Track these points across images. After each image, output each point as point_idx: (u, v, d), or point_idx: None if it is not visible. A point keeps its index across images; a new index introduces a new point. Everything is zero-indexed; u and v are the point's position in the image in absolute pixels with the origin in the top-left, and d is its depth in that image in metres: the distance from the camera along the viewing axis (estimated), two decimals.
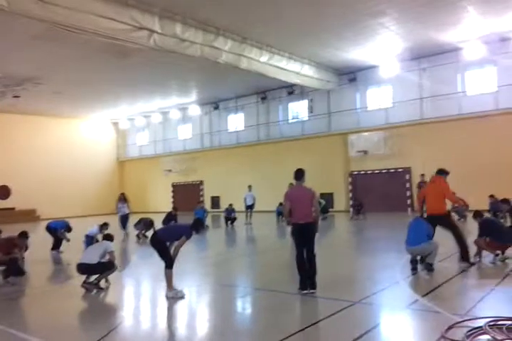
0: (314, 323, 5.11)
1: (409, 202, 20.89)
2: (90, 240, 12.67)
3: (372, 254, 9.98)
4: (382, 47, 18.97)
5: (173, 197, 30.95)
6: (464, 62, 19.21)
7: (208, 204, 26.52)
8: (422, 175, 17.24)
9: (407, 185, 20.96)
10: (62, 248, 12.25)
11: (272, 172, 25.45)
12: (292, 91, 24.56)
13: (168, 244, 6.55)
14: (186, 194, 29.79)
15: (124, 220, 15.92)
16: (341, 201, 22.76)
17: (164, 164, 30.82)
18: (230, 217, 17.88)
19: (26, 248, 9.21)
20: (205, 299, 6.71)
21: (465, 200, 14.26)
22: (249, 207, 19.06)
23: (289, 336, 4.61)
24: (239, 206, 19.36)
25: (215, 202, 28.12)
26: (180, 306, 6.21)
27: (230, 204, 18.33)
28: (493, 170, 18.27)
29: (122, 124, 33.90)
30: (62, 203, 28.97)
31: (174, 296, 6.37)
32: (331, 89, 22.84)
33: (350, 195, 22.57)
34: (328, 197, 21.89)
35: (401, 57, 20.15)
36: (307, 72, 20.15)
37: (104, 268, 7.15)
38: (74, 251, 12.22)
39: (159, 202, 30.95)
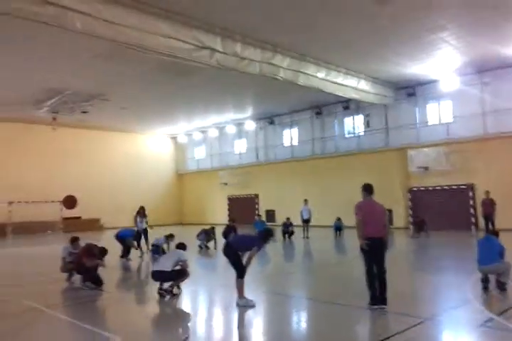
0: (388, 338, 5.16)
1: (472, 219, 20.15)
2: (157, 249, 13.31)
3: (438, 272, 9.79)
4: (441, 62, 18.67)
5: (229, 209, 31.49)
6: None
7: (262, 218, 26.78)
8: (487, 191, 16.68)
9: (471, 202, 20.24)
10: (130, 256, 12.83)
11: (327, 187, 25.43)
12: (348, 106, 24.55)
13: (240, 253, 6.80)
14: (242, 207, 30.24)
15: (139, 236, 14.59)
16: (400, 218, 22.29)
17: (220, 177, 31.53)
18: (288, 230, 17.99)
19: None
20: (275, 310, 6.88)
21: None
22: (306, 221, 19.13)
23: None
24: (294, 220, 19.46)
25: (270, 215, 28.33)
26: (252, 315, 6.43)
27: (288, 218, 18.46)
28: None
29: (180, 139, 35.12)
30: (124, 213, 30.18)
31: (245, 305, 6.60)
32: (388, 104, 22.63)
33: (410, 211, 22.07)
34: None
35: (461, 71, 19.71)
36: (364, 87, 20.11)
37: (178, 275, 7.52)
38: (142, 260, 12.89)
39: (216, 214, 31.61)
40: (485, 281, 7.30)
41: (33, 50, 15.76)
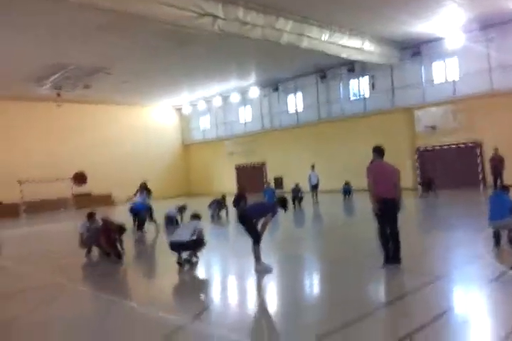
0: (404, 295, 5.33)
1: (480, 177, 20.20)
2: (170, 220, 13.56)
3: (450, 230, 9.94)
4: (446, 19, 18.17)
5: (237, 178, 31.71)
6: None
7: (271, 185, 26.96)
8: (496, 148, 16.62)
9: (478, 160, 20.23)
10: (145, 228, 13.09)
11: (334, 151, 25.43)
12: (352, 68, 24.16)
13: (254, 220, 6.94)
14: (249, 175, 30.42)
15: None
16: (408, 178, 22.29)
17: (227, 147, 31.57)
18: (297, 196, 18.14)
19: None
20: (292, 273, 7.10)
21: None
22: (314, 187, 19.28)
23: (381, 307, 4.87)
24: (303, 186, 19.57)
25: (278, 182, 28.50)
26: (271, 279, 6.64)
27: (297, 184, 18.55)
28: None
29: (185, 109, 34.93)
30: (133, 187, 30.51)
31: (263, 270, 6.80)
32: (394, 64, 22.23)
33: (418, 172, 22.13)
34: None
35: (466, 28, 19.19)
36: (369, 48, 19.72)
37: (195, 244, 7.71)
38: (156, 231, 13.15)
39: (224, 184, 31.83)
40: (496, 236, 7.42)
41: (34, 25, 15.54)
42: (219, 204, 15.46)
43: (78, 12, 13.74)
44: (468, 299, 5.05)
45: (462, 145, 20.71)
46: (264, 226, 6.91)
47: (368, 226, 11.71)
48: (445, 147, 21.30)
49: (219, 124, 33.43)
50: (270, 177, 29.21)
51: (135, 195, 14.38)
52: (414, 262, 6.80)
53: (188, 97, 32.36)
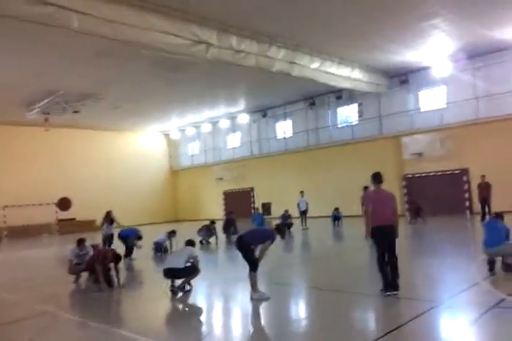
0: (404, 324, 5.24)
1: (467, 204, 20.42)
2: (159, 247, 13.32)
3: (442, 257, 9.92)
4: (434, 48, 18.78)
5: (225, 204, 31.55)
6: None
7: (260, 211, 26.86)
8: (483, 176, 16.87)
9: (465, 187, 20.50)
10: (133, 255, 12.82)
11: (322, 178, 25.56)
12: (341, 95, 24.65)
13: (252, 247, 6.85)
14: (237, 201, 30.31)
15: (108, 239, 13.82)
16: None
17: (215, 172, 31.55)
18: (287, 222, 18.06)
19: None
20: (290, 301, 6.97)
21: None
22: (303, 213, 19.18)
23: (383, 335, 4.77)
24: (291, 212, 19.54)
25: (267, 208, 28.42)
26: (268, 307, 6.50)
27: (286, 210, 18.54)
28: None
29: (173, 135, 35.03)
30: (119, 213, 30.04)
31: (260, 298, 6.66)
32: (381, 92, 22.73)
33: (405, 198, 22.29)
34: None
35: (453, 57, 19.84)
36: (357, 76, 20.18)
37: (190, 272, 7.56)
38: (145, 258, 12.88)
39: (211, 210, 31.64)
40: (491, 263, 7.43)
41: (26, 50, 15.64)
42: (208, 230, 15.29)
43: (73, 38, 13.88)
44: (470, 327, 4.98)
45: (449, 172, 21.01)
46: (262, 252, 6.82)
47: (360, 254, 11.71)
48: (432, 174, 21.59)
49: (207, 150, 33.51)
50: (258, 203, 29.13)
51: (102, 224, 14.36)
52: (412, 288, 6.75)
53: (176, 123, 32.52)
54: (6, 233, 25.88)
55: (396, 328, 4.99)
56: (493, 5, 14.63)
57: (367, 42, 17.47)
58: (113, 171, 31.82)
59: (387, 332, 4.86)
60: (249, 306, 6.59)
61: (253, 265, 6.71)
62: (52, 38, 14.30)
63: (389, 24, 15.70)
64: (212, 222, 15.79)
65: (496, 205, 16.44)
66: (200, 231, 15.51)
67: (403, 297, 6.30)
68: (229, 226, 16.44)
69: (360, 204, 15.07)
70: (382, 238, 6.48)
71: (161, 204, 34.44)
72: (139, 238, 13.27)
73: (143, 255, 13.08)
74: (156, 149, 35.75)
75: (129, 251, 12.81)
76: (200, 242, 15.18)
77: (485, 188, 16.90)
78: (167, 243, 13.40)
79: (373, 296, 6.48)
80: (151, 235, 14.68)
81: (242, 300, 6.96)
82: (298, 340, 4.93)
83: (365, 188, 14.72)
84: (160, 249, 13.23)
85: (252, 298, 6.72)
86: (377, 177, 6.80)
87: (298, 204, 19.17)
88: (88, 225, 29.06)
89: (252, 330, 5.64)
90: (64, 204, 29.23)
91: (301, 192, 19.84)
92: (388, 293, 6.36)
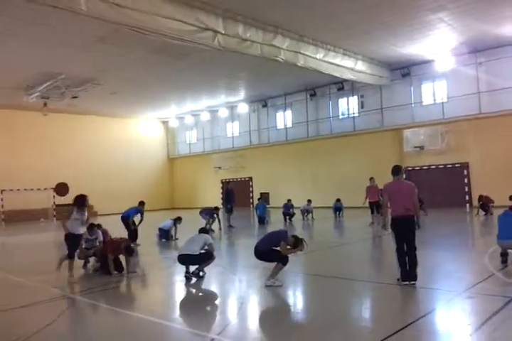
0: (427, 314, 5.29)
1: (467, 197, 20.60)
2: (165, 233, 13.28)
3: (452, 249, 10.01)
4: (437, 42, 18.77)
5: (223, 193, 31.45)
6: None
7: (257, 201, 26.88)
8: None
9: (465, 181, 20.66)
10: (138, 241, 12.73)
11: (322, 169, 25.60)
12: (342, 87, 24.59)
13: (270, 250, 6.86)
14: (236, 190, 30.12)
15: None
16: None
17: (214, 161, 31.48)
18: (289, 212, 18.10)
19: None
20: (305, 289, 7.00)
21: None
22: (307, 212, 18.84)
23: (406, 326, 4.80)
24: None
25: (265, 198, 28.41)
26: (281, 294, 6.54)
27: (289, 200, 18.54)
28: None
29: (172, 123, 34.86)
30: (117, 199, 30.02)
31: (272, 284, 6.68)
32: (383, 85, 22.72)
33: None
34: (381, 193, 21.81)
35: (456, 51, 19.85)
36: (361, 68, 20.16)
37: (205, 258, 7.56)
38: (150, 245, 12.85)
39: (209, 199, 31.55)
40: (504, 255, 7.52)
41: (29, 33, 15.36)
42: (210, 213, 15.35)
43: (78, 23, 13.67)
44: (495, 317, 5.03)
45: (449, 166, 21.15)
46: (284, 253, 6.80)
47: (368, 244, 11.79)
48: (433, 167, 21.71)
49: (206, 138, 33.38)
50: (256, 192, 29.15)
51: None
52: (429, 279, 6.79)
53: (175, 111, 32.33)
54: (3, 217, 25.72)
55: (422, 316, 5.04)
56: (497, 2, 14.66)
57: (371, 35, 17.41)
58: (110, 157, 31.65)
59: (414, 321, 4.90)
60: (262, 293, 6.60)
61: (282, 261, 6.74)
62: (56, 22, 14.07)
63: (394, 17, 15.66)
64: (216, 208, 15.83)
65: (497, 200, 16.57)
66: (202, 212, 15.70)
67: (421, 287, 6.35)
68: (228, 198, 16.70)
69: (364, 195, 15.28)
70: (402, 229, 6.51)
71: (158, 191, 34.37)
72: (141, 213, 12.99)
73: (147, 241, 13.05)
74: (153, 136, 35.59)
75: (132, 235, 12.54)
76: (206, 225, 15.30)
77: None
78: (172, 229, 13.38)
79: (391, 285, 6.53)
80: (150, 222, 14.59)
81: (254, 287, 6.99)
82: (315, 329, 4.95)
83: (371, 179, 14.77)
84: (166, 236, 13.20)
85: (266, 284, 6.74)
86: (394, 170, 6.80)
87: (301, 210, 18.80)
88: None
89: (272, 318, 5.66)
90: (61, 189, 28.80)
91: (309, 200, 18.95)
92: (405, 283, 6.42)
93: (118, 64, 19.69)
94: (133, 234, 12.67)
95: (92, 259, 9.25)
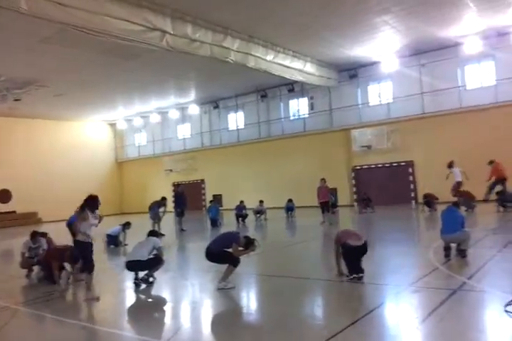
0: (376, 308, 5.40)
1: (412, 194, 21.39)
2: (113, 239, 12.90)
3: (399, 244, 10.33)
4: (383, 44, 19.40)
5: (174, 196, 30.98)
6: (464, 57, 19.74)
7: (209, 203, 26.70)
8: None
9: (410, 178, 21.46)
10: None
11: (275, 169, 25.79)
12: (292, 88, 24.89)
13: (222, 252, 6.78)
14: (188, 193, 29.79)
15: None
16: (345, 195, 23.17)
17: (164, 164, 30.95)
18: (242, 214, 18.07)
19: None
20: (257, 290, 6.99)
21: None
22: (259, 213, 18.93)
23: (356, 321, 4.89)
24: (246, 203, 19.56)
25: (217, 200, 28.27)
26: (235, 296, 6.49)
27: (241, 201, 18.51)
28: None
29: (120, 125, 33.94)
30: (63, 205, 28.84)
31: (223, 287, 6.60)
32: (332, 86, 23.21)
33: (354, 189, 23.01)
34: (333, 192, 22.23)
35: (401, 53, 20.60)
36: (310, 70, 20.50)
37: (154, 263, 7.38)
38: (97, 251, 12.38)
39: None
40: (447, 249, 7.83)
41: None
42: (158, 205, 15.56)
43: (20, 22, 13.08)
44: (440, 309, 5.20)
45: (395, 164, 21.89)
46: (236, 254, 6.73)
47: (320, 243, 11.98)
48: (380, 166, 22.39)
49: (156, 141, 32.78)
50: (209, 194, 28.97)
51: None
52: (377, 275, 6.96)
53: (123, 112, 31.54)
54: None
55: (371, 311, 5.14)
56: (440, 5, 15.32)
57: (319, 37, 17.74)
58: (56, 162, 30.37)
59: (364, 315, 4.99)
60: (214, 296, 6.53)
61: (233, 262, 6.66)
62: None
63: (341, 19, 16.03)
64: (163, 198, 15.84)
65: (442, 196, 17.25)
66: (150, 209, 15.71)
67: (369, 282, 6.50)
68: (178, 201, 16.56)
69: (315, 195, 15.50)
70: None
71: (106, 196, 33.04)
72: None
73: (95, 248, 12.49)
74: (101, 139, 34.51)
75: None
76: (152, 219, 15.51)
77: None
78: (121, 235, 13.02)
79: (341, 282, 6.64)
80: (98, 228, 14.10)
81: (206, 291, 6.91)
82: (267, 330, 4.95)
83: (322, 180, 15.01)
84: (114, 242, 12.82)
85: (217, 288, 6.66)
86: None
87: (254, 211, 18.88)
88: (29, 218, 27.78)
89: (216, 322, 5.60)
90: (3, 196, 27.65)
91: (261, 201, 19.21)
92: (354, 276, 6.55)
93: (64, 65, 18.98)
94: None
95: (36, 268, 8.85)
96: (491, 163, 15.68)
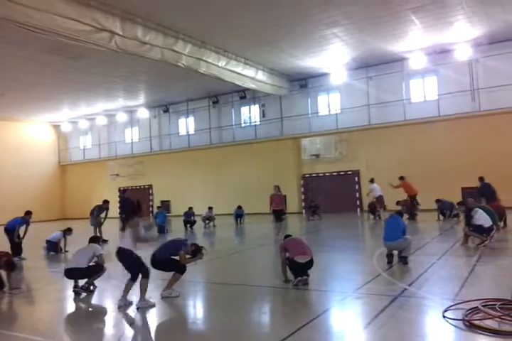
0: (320, 315, 5.44)
1: (358, 202, 21.97)
2: (53, 246, 12.30)
3: (344, 251, 10.54)
4: (332, 56, 19.94)
5: (120, 202, 30.14)
6: (409, 72, 20.66)
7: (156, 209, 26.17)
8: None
9: (356, 187, 22.05)
10: (23, 254, 11.67)
11: (225, 176, 25.71)
12: (244, 95, 25.01)
13: (168, 259, 6.61)
14: (134, 199, 29.12)
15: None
16: (294, 203, 23.45)
17: (110, 168, 30.04)
18: (190, 220, 17.83)
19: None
20: (203, 298, 6.86)
21: None
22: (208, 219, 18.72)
23: (300, 327, 4.90)
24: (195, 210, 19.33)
25: (165, 206, 27.78)
26: (180, 305, 6.34)
27: (190, 208, 18.28)
28: (435, 173, 19.63)
29: (64, 127, 32.66)
30: (2, 209, 27.34)
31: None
32: (283, 95, 23.53)
33: (303, 196, 23.34)
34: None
35: (349, 65, 21.25)
36: (261, 78, 20.72)
37: (94, 271, 7.09)
38: (36, 258, 11.80)
39: None
40: (389, 256, 8.06)
41: None
42: (99, 209, 15.22)
43: None
44: (382, 314, 5.31)
45: (342, 173, 22.45)
46: (183, 262, 6.58)
47: (267, 250, 11.97)
48: (328, 174, 22.88)
49: (102, 144, 31.81)
50: (157, 200, 28.40)
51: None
52: (321, 281, 7.03)
53: (68, 114, 30.40)
54: None
55: (316, 317, 5.17)
56: (387, 20, 15.96)
57: (271, 46, 18.00)
58: None
59: (309, 322, 5.01)
60: (158, 305, 6.32)
61: (178, 271, 6.50)
62: None
63: (293, 29, 16.36)
64: (105, 201, 15.42)
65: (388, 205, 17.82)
66: (92, 212, 15.36)
67: (314, 289, 6.55)
68: (124, 207, 16.24)
69: (267, 202, 15.43)
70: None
71: (48, 201, 31.90)
72: (27, 224, 11.90)
73: (34, 255, 11.98)
74: (43, 141, 33.03)
75: (16, 249, 11.49)
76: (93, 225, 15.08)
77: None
78: (61, 242, 12.45)
79: (286, 289, 6.65)
80: (38, 234, 13.51)
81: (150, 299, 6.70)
82: (212, 338, 4.86)
83: (276, 187, 14.89)
84: (54, 248, 12.23)
85: (162, 297, 6.46)
86: None
87: (202, 218, 18.63)
88: None
89: (159, 331, 5.44)
90: None
91: (210, 208, 19.04)
92: (299, 278, 6.60)
93: (5, 63, 18.06)
94: (17, 248, 11.60)
95: None
96: (401, 178, 16.65)
